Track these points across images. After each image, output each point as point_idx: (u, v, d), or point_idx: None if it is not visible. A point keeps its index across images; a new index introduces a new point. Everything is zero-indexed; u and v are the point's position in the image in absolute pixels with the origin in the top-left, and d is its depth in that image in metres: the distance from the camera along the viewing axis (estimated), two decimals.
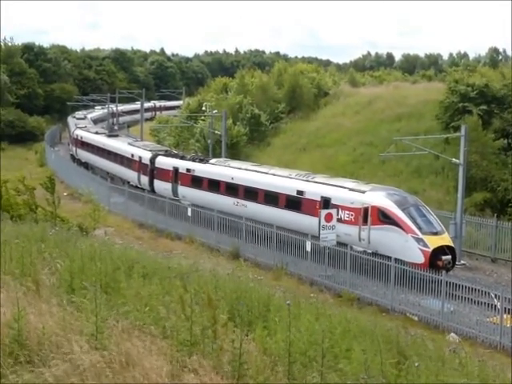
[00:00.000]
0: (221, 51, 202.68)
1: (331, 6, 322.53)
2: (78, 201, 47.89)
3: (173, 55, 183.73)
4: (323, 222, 30.14)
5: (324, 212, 30.61)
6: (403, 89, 75.04)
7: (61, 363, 7.43)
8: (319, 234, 30.29)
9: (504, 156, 45.75)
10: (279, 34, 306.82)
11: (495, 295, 24.14)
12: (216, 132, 58.50)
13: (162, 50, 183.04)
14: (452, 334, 23.64)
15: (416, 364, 9.82)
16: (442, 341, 19.70)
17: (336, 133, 63.04)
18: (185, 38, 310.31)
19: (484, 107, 49.42)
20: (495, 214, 37.20)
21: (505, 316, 23.41)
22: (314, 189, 33.86)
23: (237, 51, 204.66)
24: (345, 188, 32.63)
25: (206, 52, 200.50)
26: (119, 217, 44.47)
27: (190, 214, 39.45)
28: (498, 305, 23.58)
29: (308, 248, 30.84)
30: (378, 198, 30.97)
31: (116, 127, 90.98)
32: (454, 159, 35.69)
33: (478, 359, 12.39)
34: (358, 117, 65.29)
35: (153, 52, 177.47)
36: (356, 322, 13.22)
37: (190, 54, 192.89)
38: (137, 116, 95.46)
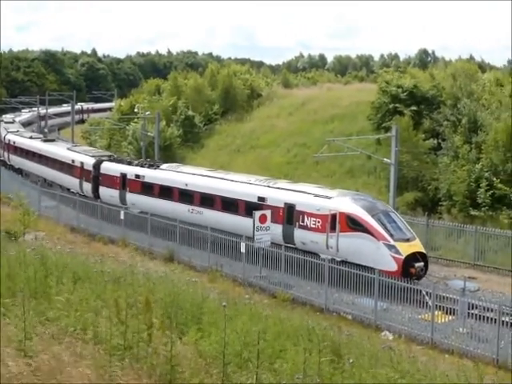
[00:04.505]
0: (153, 52, 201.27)
1: (264, 7, 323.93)
2: (6, 205, 46.73)
3: (104, 56, 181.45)
4: (257, 224, 29.97)
5: (258, 213, 30.46)
6: (336, 90, 75.93)
7: None
8: (253, 236, 30.15)
9: (434, 156, 46.68)
10: (212, 35, 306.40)
11: (426, 292, 24.55)
12: (149, 134, 58.06)
13: (94, 50, 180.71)
14: (385, 332, 23.95)
15: (350, 360, 9.90)
16: (375, 339, 19.93)
17: (270, 134, 63.31)
18: (116, 39, 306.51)
19: (414, 108, 50.41)
20: (426, 213, 37.91)
21: (436, 313, 23.85)
22: (277, 195, 32.72)
23: (169, 52, 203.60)
24: (309, 194, 31.66)
25: (138, 53, 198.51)
26: (51, 221, 43.56)
27: (122, 217, 38.89)
28: (430, 302, 24.00)
29: (242, 249, 30.80)
30: (346, 203, 30.03)
31: (46, 130, 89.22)
32: (385, 159, 36.23)
33: (410, 356, 12.57)
34: (291, 118, 65.70)
35: (84, 53, 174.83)
36: (290, 322, 13.25)
37: (122, 56, 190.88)
38: (65, 118, 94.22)
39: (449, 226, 35.32)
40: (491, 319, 22.11)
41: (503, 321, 21.76)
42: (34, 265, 13.27)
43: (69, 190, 49.23)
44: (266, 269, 30.16)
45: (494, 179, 39.94)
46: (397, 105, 51.17)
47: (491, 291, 28.31)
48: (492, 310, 22.32)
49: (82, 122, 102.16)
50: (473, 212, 39.82)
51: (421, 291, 24.86)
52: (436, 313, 23.81)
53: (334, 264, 27.54)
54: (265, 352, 9.19)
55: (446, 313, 23.94)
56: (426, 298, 24.34)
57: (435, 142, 47.69)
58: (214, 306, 12.70)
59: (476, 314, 22.79)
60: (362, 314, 25.79)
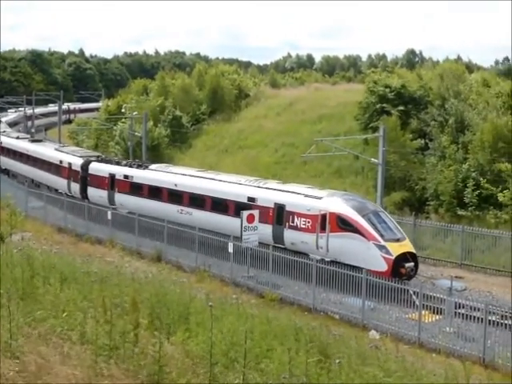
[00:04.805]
0: (141, 52, 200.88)
1: (252, 7, 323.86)
2: None
3: (91, 56, 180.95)
4: (245, 223, 29.96)
5: (245, 213, 30.44)
6: (324, 90, 76.12)
7: None
8: (241, 235, 30.13)
9: (421, 156, 46.85)
10: (200, 36, 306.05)
11: (414, 292, 24.62)
12: (136, 134, 57.94)
13: (81, 50, 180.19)
14: (372, 331, 23.98)
15: (337, 361, 9.91)
16: (363, 338, 19.96)
17: (258, 134, 63.33)
18: (104, 39, 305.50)
19: (401, 108, 50.58)
20: (413, 213, 38.00)
21: (423, 312, 23.92)
22: (267, 195, 32.60)
23: (157, 52, 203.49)
24: (300, 194, 31.58)
25: (125, 53, 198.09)
26: (38, 222, 43.37)
27: (109, 217, 38.76)
28: (417, 301, 24.07)
29: (230, 249, 30.77)
30: (336, 204, 29.93)
31: (33, 130, 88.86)
32: (373, 159, 36.29)
33: (397, 355, 12.60)
34: (279, 118, 65.76)
35: (71, 53, 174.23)
36: (277, 321, 13.25)
37: (109, 56, 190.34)
38: (52, 119, 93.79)
39: (436, 226, 35.42)
40: (478, 318, 22.21)
41: (490, 320, 21.85)
42: (20, 265, 13.22)
43: (56, 190, 49.00)
44: (254, 269, 30.14)
45: (481, 179, 40.14)
46: (384, 105, 51.32)
47: (478, 291, 28.45)
48: (479, 310, 22.41)
49: (69, 122, 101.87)
50: (460, 212, 40.00)
51: (408, 291, 24.92)
52: (423, 312, 23.88)
53: (321, 264, 27.57)
54: (252, 352, 9.18)
55: (433, 312, 24.00)
56: (414, 297, 24.40)
57: (422, 141, 47.87)
58: (201, 306, 12.69)
59: (463, 314, 22.89)
60: (350, 314, 25.82)
